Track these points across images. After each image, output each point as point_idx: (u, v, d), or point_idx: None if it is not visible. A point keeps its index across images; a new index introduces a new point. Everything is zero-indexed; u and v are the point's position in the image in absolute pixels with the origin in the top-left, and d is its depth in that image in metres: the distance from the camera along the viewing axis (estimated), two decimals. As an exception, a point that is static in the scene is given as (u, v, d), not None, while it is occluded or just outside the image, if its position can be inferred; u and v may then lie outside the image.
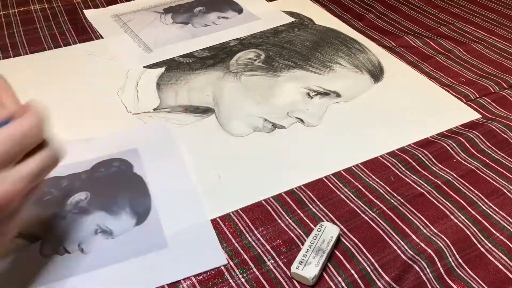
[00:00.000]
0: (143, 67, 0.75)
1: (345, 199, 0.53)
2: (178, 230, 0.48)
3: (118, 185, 0.52)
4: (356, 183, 0.55)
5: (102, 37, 0.83)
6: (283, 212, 0.51)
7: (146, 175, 0.54)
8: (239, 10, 0.91)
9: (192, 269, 0.45)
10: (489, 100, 0.68)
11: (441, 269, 0.46)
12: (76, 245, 0.46)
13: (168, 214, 0.49)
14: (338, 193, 0.54)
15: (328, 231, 0.47)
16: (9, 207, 0.34)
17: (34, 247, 0.45)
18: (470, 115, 0.65)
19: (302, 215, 0.51)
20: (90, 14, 0.91)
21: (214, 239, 0.48)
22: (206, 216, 0.50)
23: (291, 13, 0.90)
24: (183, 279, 0.45)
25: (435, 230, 0.49)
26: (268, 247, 0.48)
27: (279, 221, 0.50)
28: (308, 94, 0.69)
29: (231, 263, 0.46)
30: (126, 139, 0.59)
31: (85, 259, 0.45)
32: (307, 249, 0.46)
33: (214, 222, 0.50)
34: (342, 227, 0.50)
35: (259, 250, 0.48)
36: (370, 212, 0.51)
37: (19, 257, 0.45)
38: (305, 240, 0.48)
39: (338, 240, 0.48)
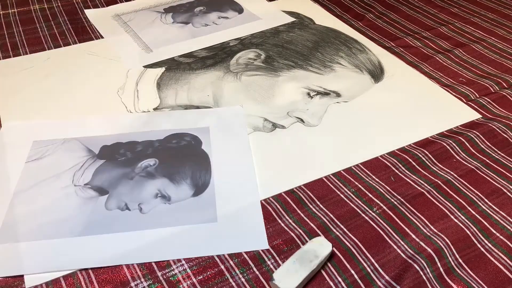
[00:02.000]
0: (143, 66, 0.76)
1: (345, 199, 0.53)
2: (229, 209, 0.50)
3: (185, 157, 0.56)
4: (356, 183, 0.55)
5: (102, 37, 0.83)
6: (283, 212, 0.51)
7: (212, 153, 0.57)
8: (240, 10, 0.91)
9: (235, 247, 0.47)
10: (489, 100, 0.68)
11: (441, 269, 0.46)
12: (136, 204, 0.51)
13: (224, 192, 0.52)
14: (338, 193, 0.54)
15: (319, 248, 0.45)
16: None
17: (101, 199, 0.51)
18: (470, 115, 0.65)
19: (302, 215, 0.51)
20: (91, 13, 0.91)
21: (261, 223, 0.49)
22: (258, 201, 0.52)
23: (291, 13, 0.90)
24: (183, 279, 0.45)
25: (435, 230, 0.49)
26: (268, 246, 0.48)
27: (279, 221, 0.50)
28: (308, 94, 0.69)
29: (231, 262, 0.46)
30: (200, 116, 0.63)
31: (142, 218, 0.49)
32: (293, 261, 0.44)
33: (214, 222, 0.50)
34: (342, 226, 0.50)
35: (260, 250, 0.48)
36: (370, 212, 0.51)
37: (87, 205, 0.50)
38: (306, 240, 0.48)
39: (330, 256, 0.47)
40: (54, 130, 0.61)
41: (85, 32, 0.85)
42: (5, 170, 0.54)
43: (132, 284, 0.45)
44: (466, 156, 0.58)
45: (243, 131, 0.61)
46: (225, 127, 0.62)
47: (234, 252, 0.47)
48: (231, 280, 0.45)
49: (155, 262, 0.46)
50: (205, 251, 0.47)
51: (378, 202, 0.52)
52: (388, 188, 0.54)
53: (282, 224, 0.50)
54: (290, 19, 0.88)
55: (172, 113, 0.64)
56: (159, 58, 0.77)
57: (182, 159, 0.56)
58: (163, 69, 0.75)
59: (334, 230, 0.49)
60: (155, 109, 0.66)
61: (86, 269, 0.46)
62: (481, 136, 0.61)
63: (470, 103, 0.67)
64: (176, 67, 0.75)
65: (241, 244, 0.47)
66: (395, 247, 0.48)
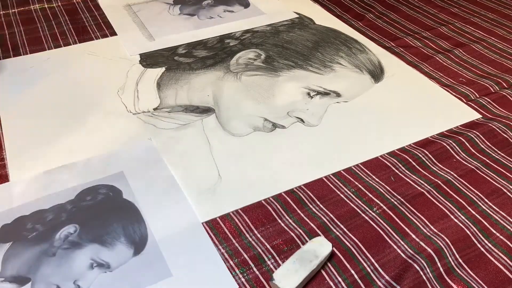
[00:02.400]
0: (143, 66, 0.75)
1: (345, 198, 0.53)
2: (181, 257, 0.45)
3: (109, 213, 0.48)
4: (356, 183, 0.55)
5: (102, 37, 0.84)
6: (283, 212, 0.51)
7: (137, 199, 0.50)
8: (246, 5, 0.93)
9: None
10: (489, 100, 0.68)
11: (441, 269, 0.46)
12: (71, 282, 0.42)
13: (168, 239, 0.46)
14: (338, 192, 0.54)
15: (319, 248, 0.45)
16: None
17: None
18: (470, 115, 0.65)
19: (302, 214, 0.51)
20: (104, 2, 0.94)
21: (222, 265, 0.44)
22: (209, 240, 0.47)
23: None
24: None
25: (435, 230, 0.49)
26: (268, 246, 0.48)
27: (279, 220, 0.50)
28: (309, 94, 0.69)
29: (231, 262, 0.46)
30: (109, 162, 0.55)
31: None
32: (293, 261, 0.44)
33: (214, 221, 0.50)
34: (342, 226, 0.50)
35: (259, 250, 0.48)
36: (370, 211, 0.51)
37: None
38: (306, 240, 0.48)
39: (330, 256, 0.46)
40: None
41: (85, 32, 0.85)
42: None
43: (132, 284, 0.45)
44: (466, 156, 0.58)
45: (162, 165, 0.55)
46: (140, 166, 0.55)
47: None
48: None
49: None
50: None
51: (378, 202, 0.52)
52: (388, 188, 0.54)
53: (282, 224, 0.50)
54: (294, 15, 0.89)
55: (73, 165, 0.55)
56: (159, 47, 0.80)
57: (106, 216, 0.48)
58: (163, 69, 0.75)
59: (334, 230, 0.49)
60: (155, 109, 0.67)
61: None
62: (481, 136, 0.61)
63: (470, 103, 0.67)
64: (176, 67, 0.75)
65: None
66: (395, 247, 0.48)
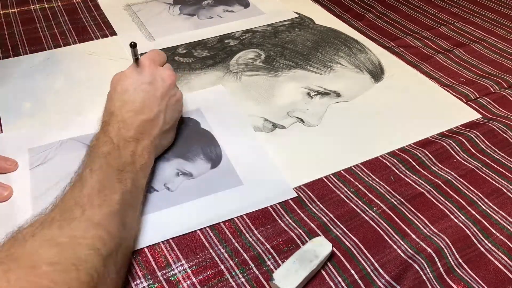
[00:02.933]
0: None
1: (345, 199, 0.53)
2: (249, 171, 0.55)
3: (189, 138, 0.60)
4: (356, 183, 0.55)
5: (102, 37, 0.84)
6: (283, 212, 0.51)
7: (212, 129, 0.62)
8: (246, 5, 0.93)
9: (266, 202, 0.52)
10: (489, 100, 0.68)
11: (441, 269, 0.46)
12: (162, 184, 0.54)
13: (238, 158, 0.57)
14: (338, 193, 0.54)
15: (319, 248, 0.45)
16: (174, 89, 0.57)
17: None
18: (470, 115, 0.65)
19: (302, 215, 0.51)
20: (103, 2, 0.94)
21: (281, 176, 0.55)
22: (269, 156, 0.57)
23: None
24: (183, 279, 0.45)
25: (435, 230, 0.49)
26: (268, 246, 0.48)
27: (279, 221, 0.50)
28: (309, 94, 0.69)
29: (231, 262, 0.46)
30: (188, 101, 0.66)
31: (172, 195, 0.53)
32: (293, 261, 0.44)
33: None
34: (342, 226, 0.50)
35: (259, 250, 0.48)
36: (370, 211, 0.51)
37: None
38: (305, 240, 0.48)
39: (330, 256, 0.47)
40: (47, 134, 0.61)
41: (85, 32, 0.85)
42: (12, 179, 0.55)
43: (132, 284, 0.45)
44: (466, 156, 0.58)
45: (231, 105, 0.66)
46: (214, 104, 0.66)
47: (266, 206, 0.52)
48: (231, 280, 0.45)
49: (155, 262, 0.46)
50: (241, 211, 0.51)
51: (378, 202, 0.52)
52: (388, 188, 0.54)
53: (282, 224, 0.50)
54: (293, 15, 0.89)
55: None
56: (159, 47, 0.79)
57: (188, 140, 0.60)
58: (163, 69, 0.75)
59: (334, 230, 0.49)
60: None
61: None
62: (481, 136, 0.61)
63: (470, 103, 0.67)
64: (176, 67, 0.75)
65: (270, 198, 0.52)
66: (395, 247, 0.48)
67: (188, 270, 0.46)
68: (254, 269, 0.46)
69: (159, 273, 0.46)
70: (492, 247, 0.48)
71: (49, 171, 0.55)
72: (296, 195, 0.52)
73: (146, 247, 0.48)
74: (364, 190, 0.54)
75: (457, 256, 0.47)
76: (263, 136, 0.62)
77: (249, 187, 0.53)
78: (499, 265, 0.46)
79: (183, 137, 0.60)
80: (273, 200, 0.52)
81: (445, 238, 0.48)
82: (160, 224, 0.50)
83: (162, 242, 0.48)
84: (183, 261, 0.47)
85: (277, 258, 0.47)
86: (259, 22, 0.87)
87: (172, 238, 0.49)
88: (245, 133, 0.61)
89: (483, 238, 0.49)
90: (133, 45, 0.53)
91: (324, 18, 0.89)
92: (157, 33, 0.84)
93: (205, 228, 0.50)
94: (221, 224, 0.50)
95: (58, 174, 0.53)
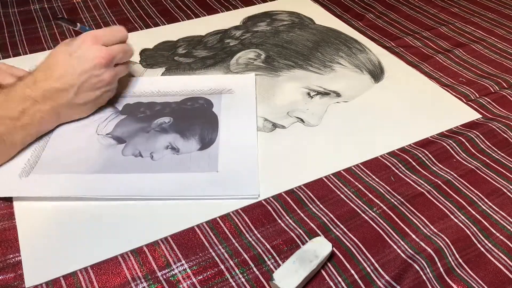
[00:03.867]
0: (143, 66, 0.76)
1: (345, 198, 0.53)
2: (229, 162, 0.57)
3: (197, 118, 0.64)
4: (356, 183, 0.55)
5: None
6: (283, 212, 0.51)
7: (221, 115, 0.64)
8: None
9: (229, 192, 0.53)
10: (489, 100, 0.68)
11: (441, 269, 0.46)
12: (148, 152, 0.58)
13: (226, 149, 0.59)
14: (338, 193, 0.54)
15: (319, 248, 0.45)
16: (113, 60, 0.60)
17: (119, 147, 0.59)
18: (470, 115, 0.65)
19: (302, 215, 0.51)
20: None
21: (255, 175, 0.55)
22: (255, 158, 0.57)
23: (291, 13, 0.90)
24: (183, 279, 0.45)
25: (435, 230, 0.49)
26: (268, 246, 0.48)
27: (279, 221, 0.50)
28: (309, 94, 0.69)
29: (231, 262, 0.46)
30: (216, 82, 0.70)
31: (152, 163, 0.57)
32: (293, 261, 0.44)
33: (214, 221, 0.50)
34: (342, 226, 0.50)
35: (259, 250, 0.48)
36: (370, 211, 0.51)
37: (106, 150, 0.58)
38: (305, 240, 0.48)
39: (330, 256, 0.46)
40: None
41: (85, 32, 0.85)
42: None
43: (132, 285, 0.45)
44: (466, 156, 0.58)
45: (252, 97, 0.67)
46: (236, 92, 0.68)
47: (228, 197, 0.53)
48: (231, 280, 0.45)
49: (155, 262, 0.46)
50: (207, 194, 0.53)
51: (378, 202, 0.52)
52: (388, 188, 0.54)
53: (282, 224, 0.50)
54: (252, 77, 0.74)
55: (191, 78, 0.73)
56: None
57: (194, 119, 0.63)
58: (163, 69, 0.75)
59: (334, 230, 0.49)
60: (155, 109, 0.67)
61: (86, 269, 0.46)
62: (481, 136, 0.61)
63: (470, 103, 0.67)
64: (176, 67, 0.75)
65: (235, 190, 0.53)
66: (395, 247, 0.48)
67: (188, 270, 0.46)
68: (254, 269, 0.46)
69: (159, 273, 0.46)
70: (492, 247, 0.48)
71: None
72: (258, 195, 0.53)
73: (146, 246, 0.48)
74: (364, 190, 0.54)
75: (457, 256, 0.47)
76: (263, 136, 0.62)
77: (221, 176, 0.55)
78: (499, 265, 0.46)
79: (192, 115, 0.64)
80: (237, 194, 0.53)
81: (445, 238, 0.48)
82: (134, 185, 0.54)
83: (162, 242, 0.48)
84: (183, 261, 0.47)
85: (277, 258, 0.47)
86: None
87: (172, 237, 0.49)
88: (247, 129, 0.62)
89: (483, 238, 0.49)
90: (59, 18, 0.56)
91: (324, 18, 0.89)
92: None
93: (204, 227, 0.50)
94: (221, 223, 0.50)
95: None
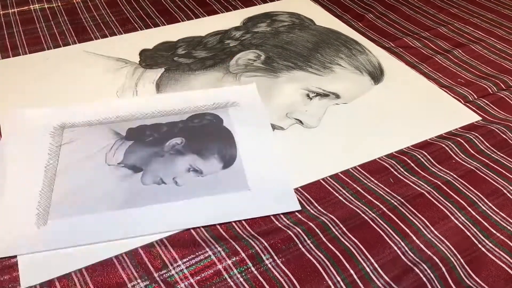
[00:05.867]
0: (143, 67, 0.76)
1: (343, 200, 0.53)
2: (259, 178, 0.55)
3: (210, 135, 0.61)
4: (355, 185, 0.55)
5: (101, 38, 0.84)
6: (281, 214, 0.51)
7: (234, 129, 0.61)
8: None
9: (268, 211, 0.51)
10: (487, 102, 0.68)
11: (442, 269, 0.46)
12: (171, 178, 0.55)
13: (251, 163, 0.56)
14: (336, 195, 0.54)
15: None
16: None
17: (136, 176, 0.55)
18: (469, 116, 0.65)
19: (299, 216, 0.51)
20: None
21: (289, 188, 0.54)
22: (283, 166, 0.56)
23: (291, 14, 0.90)
24: (181, 280, 0.45)
25: (435, 231, 0.49)
26: (266, 245, 0.48)
27: (277, 222, 0.50)
28: (308, 95, 0.69)
29: (229, 262, 0.46)
30: (218, 96, 0.67)
31: (178, 190, 0.54)
32: None
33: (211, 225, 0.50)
34: (341, 226, 0.50)
35: (257, 249, 0.48)
36: (370, 212, 0.51)
37: (123, 181, 0.54)
38: (304, 240, 0.48)
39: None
40: (78, 114, 0.64)
41: (85, 32, 0.85)
42: (37, 155, 0.58)
43: (129, 285, 0.45)
44: (465, 157, 0.58)
45: (260, 108, 0.66)
46: (241, 103, 0.66)
47: (267, 215, 0.51)
48: (229, 279, 0.45)
49: (150, 263, 0.46)
50: (241, 216, 0.50)
51: (378, 203, 0.52)
52: (388, 190, 0.54)
53: (280, 225, 0.50)
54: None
55: (190, 94, 0.69)
56: None
57: (207, 136, 0.61)
58: (162, 69, 0.75)
59: (334, 230, 0.49)
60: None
61: (80, 271, 0.46)
62: (480, 137, 0.61)
63: (469, 104, 0.67)
64: (175, 68, 0.75)
65: (274, 207, 0.51)
66: (395, 247, 0.48)
67: (185, 270, 0.46)
68: (252, 268, 0.46)
69: (155, 274, 0.45)
70: (493, 247, 0.48)
71: (73, 151, 0.58)
72: (301, 208, 0.51)
73: (141, 248, 0.48)
74: (362, 192, 0.54)
75: (458, 257, 0.47)
76: (262, 136, 0.61)
77: (254, 194, 0.53)
78: (501, 264, 0.46)
79: (203, 133, 0.61)
80: (276, 210, 0.51)
81: (445, 239, 0.48)
82: (162, 217, 0.50)
83: (158, 243, 0.48)
84: (180, 262, 0.47)
85: (275, 257, 0.47)
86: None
87: (167, 239, 0.49)
88: (264, 138, 0.60)
89: (483, 239, 0.49)
90: None
91: (324, 18, 0.89)
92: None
93: (200, 228, 0.50)
94: (217, 226, 0.50)
95: (80, 154, 0.58)
